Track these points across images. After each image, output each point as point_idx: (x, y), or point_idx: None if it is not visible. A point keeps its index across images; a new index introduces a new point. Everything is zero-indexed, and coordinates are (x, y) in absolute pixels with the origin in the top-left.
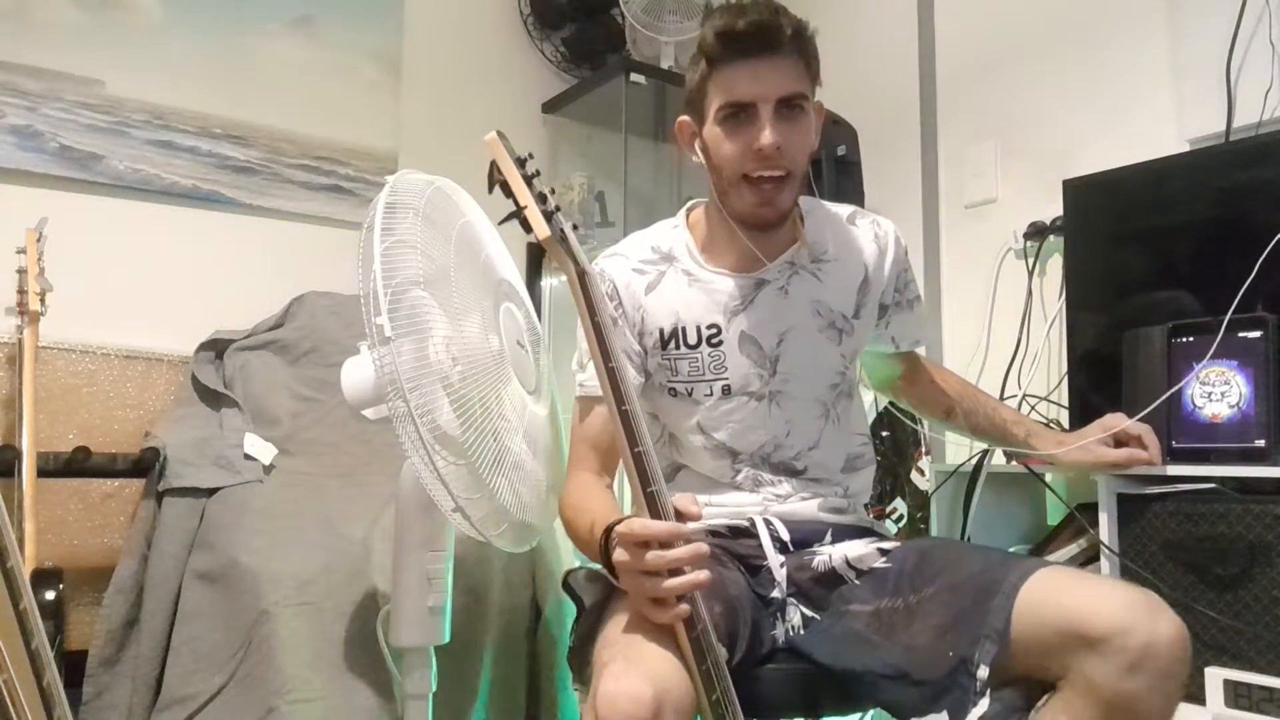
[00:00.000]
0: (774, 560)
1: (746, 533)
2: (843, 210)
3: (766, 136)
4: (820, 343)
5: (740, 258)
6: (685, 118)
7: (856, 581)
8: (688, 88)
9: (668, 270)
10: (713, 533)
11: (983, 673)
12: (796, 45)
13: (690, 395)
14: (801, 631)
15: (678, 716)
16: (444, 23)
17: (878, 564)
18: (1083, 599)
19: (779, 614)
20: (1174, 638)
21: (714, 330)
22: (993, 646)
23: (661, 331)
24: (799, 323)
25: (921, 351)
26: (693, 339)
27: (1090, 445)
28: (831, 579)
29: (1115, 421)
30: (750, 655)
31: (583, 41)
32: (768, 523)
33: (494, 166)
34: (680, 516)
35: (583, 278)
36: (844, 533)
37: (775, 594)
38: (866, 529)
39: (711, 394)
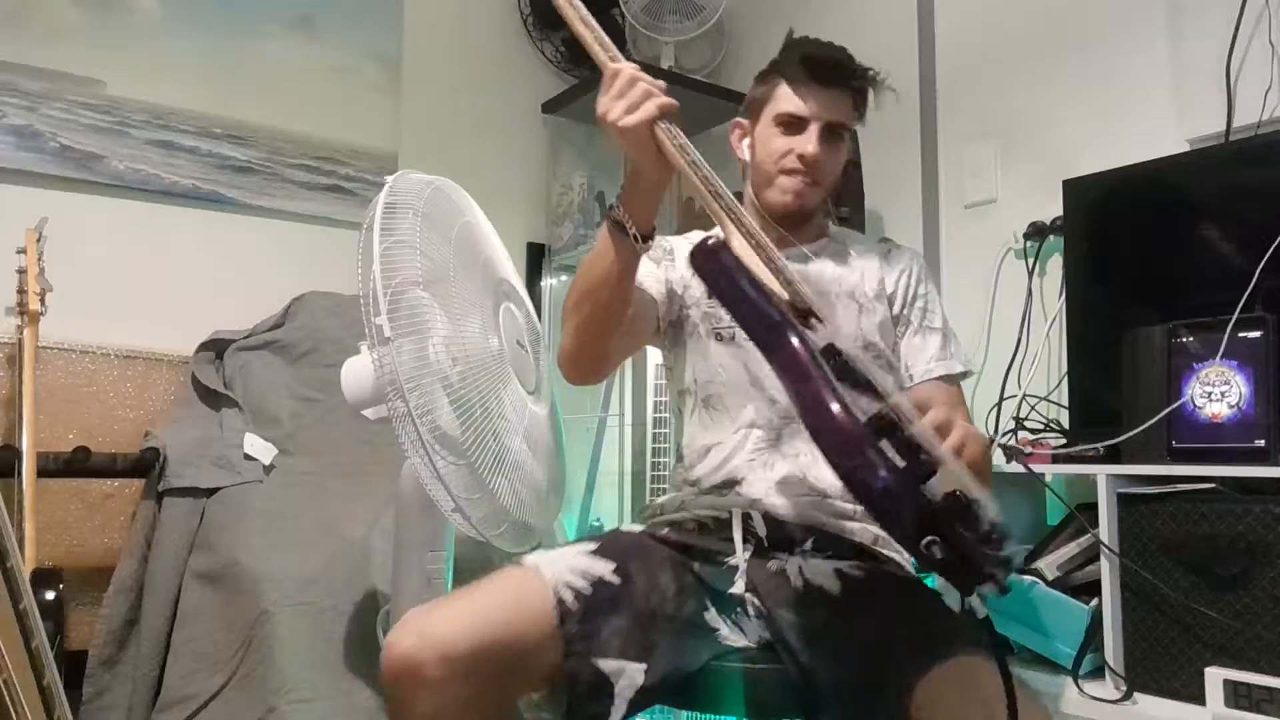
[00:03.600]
0: (740, 557)
1: (724, 525)
2: (868, 238)
3: (812, 147)
4: (844, 304)
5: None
6: (742, 119)
7: (799, 587)
8: (751, 95)
9: None
10: (679, 526)
11: None
12: (856, 86)
13: (734, 340)
14: (757, 629)
15: (440, 664)
16: (444, 23)
17: (826, 584)
18: (957, 713)
19: (740, 608)
20: None
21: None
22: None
23: None
24: (825, 286)
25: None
26: None
27: None
28: (780, 579)
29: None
30: (683, 661)
31: None
32: (747, 518)
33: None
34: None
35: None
36: (830, 543)
37: (734, 590)
38: (861, 548)
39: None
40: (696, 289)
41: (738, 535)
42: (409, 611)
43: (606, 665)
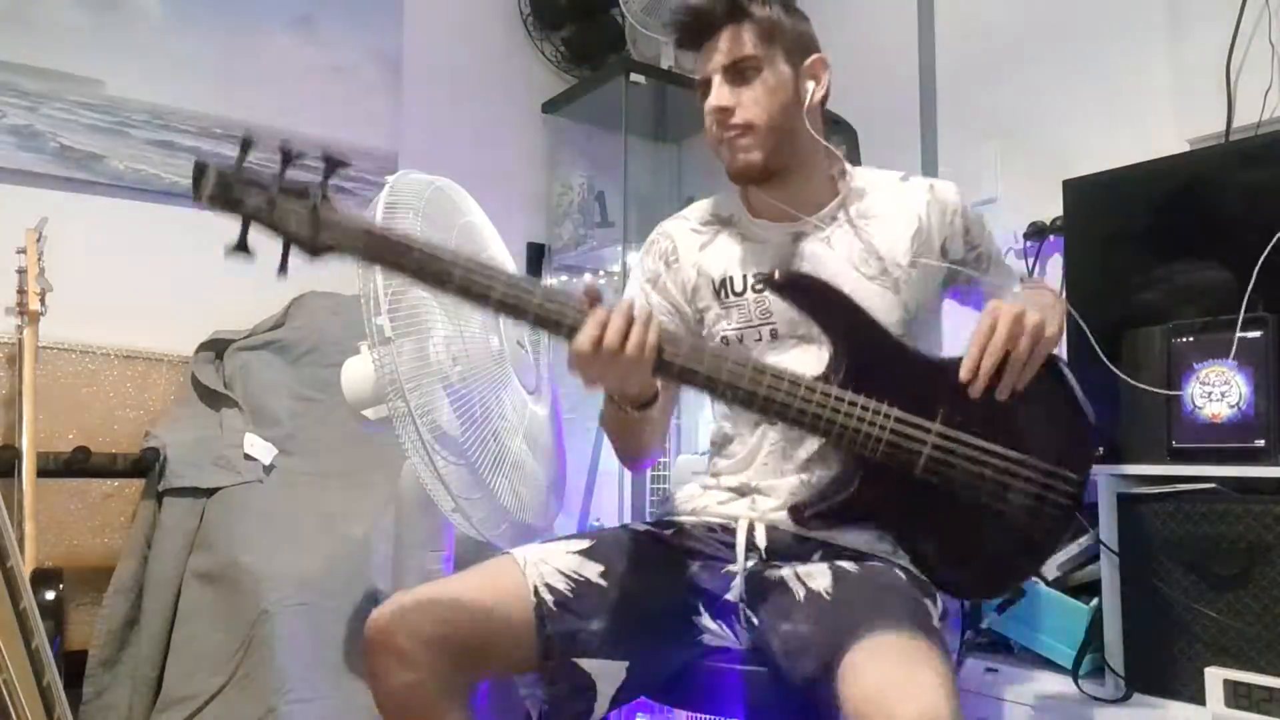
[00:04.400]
0: (740, 568)
1: (724, 529)
2: (895, 173)
3: (710, 100)
4: (870, 292)
5: (778, 212)
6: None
7: (800, 598)
8: None
9: (723, 231)
10: (684, 530)
11: None
12: (732, 19)
13: (741, 342)
14: (746, 635)
15: (411, 638)
16: (444, 23)
17: (822, 586)
18: (852, 682)
19: (734, 614)
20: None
21: (760, 277)
22: (836, 703)
23: (713, 282)
24: (842, 272)
25: None
26: (739, 287)
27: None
28: (780, 588)
29: None
30: (668, 659)
31: (583, 41)
32: (750, 528)
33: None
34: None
35: None
36: (833, 553)
37: (729, 597)
38: (860, 552)
39: (760, 339)
40: (706, 289)
41: (740, 545)
42: (395, 592)
43: (588, 665)
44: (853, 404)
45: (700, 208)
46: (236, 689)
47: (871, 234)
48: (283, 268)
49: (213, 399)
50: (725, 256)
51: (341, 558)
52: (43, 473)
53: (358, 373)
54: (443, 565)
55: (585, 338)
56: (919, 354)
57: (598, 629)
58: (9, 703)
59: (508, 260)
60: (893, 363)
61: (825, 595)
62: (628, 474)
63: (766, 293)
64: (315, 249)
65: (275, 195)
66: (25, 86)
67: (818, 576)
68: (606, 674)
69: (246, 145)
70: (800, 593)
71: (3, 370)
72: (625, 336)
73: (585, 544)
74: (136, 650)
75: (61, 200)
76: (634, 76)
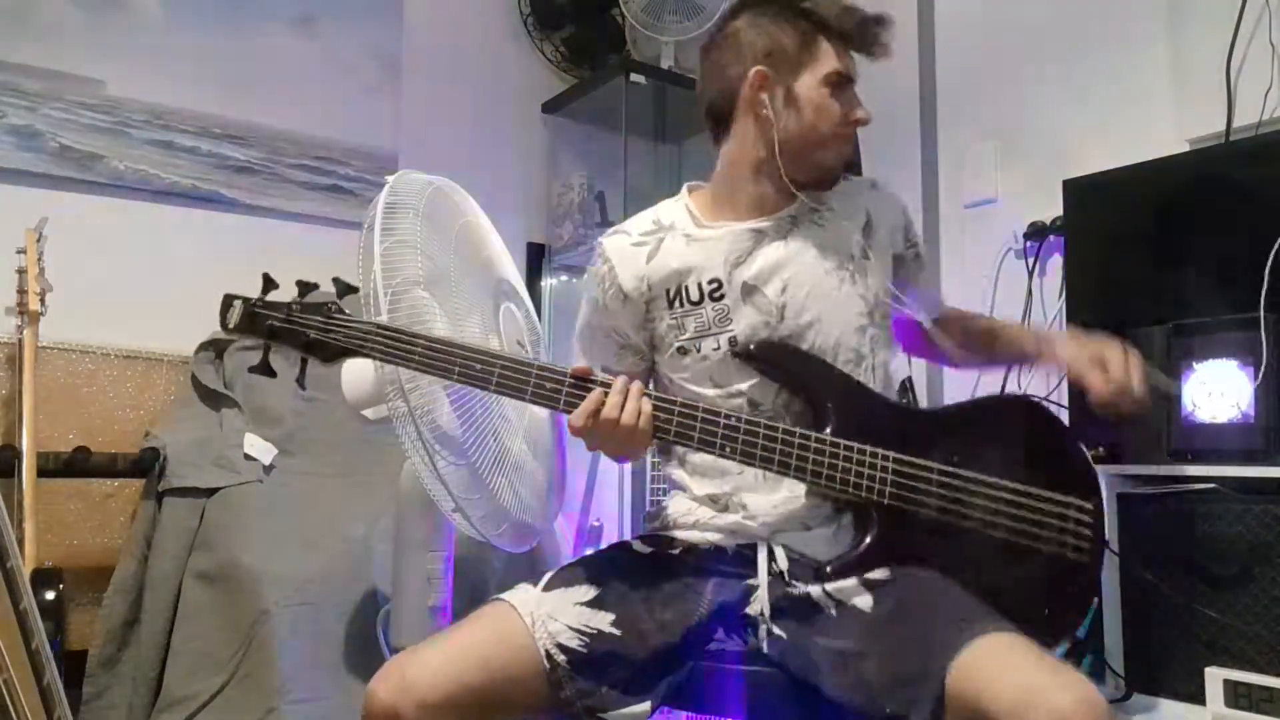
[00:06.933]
0: (764, 582)
1: (739, 551)
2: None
3: (863, 111)
4: (831, 283)
5: (745, 212)
6: (765, 69)
7: (833, 614)
8: (774, 44)
9: (666, 237)
10: (692, 549)
11: None
12: (880, 49)
13: (699, 351)
14: (766, 647)
15: (419, 709)
16: (444, 23)
17: (858, 601)
18: (991, 679)
19: (749, 626)
20: (1073, 711)
21: (715, 284)
22: (927, 710)
23: (666, 292)
24: (802, 267)
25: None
26: (695, 296)
27: (1082, 361)
28: (808, 606)
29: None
30: (684, 679)
31: (583, 41)
32: (769, 549)
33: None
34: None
35: None
36: (850, 568)
37: (749, 610)
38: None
39: (719, 348)
40: (658, 302)
41: (762, 564)
42: (391, 658)
43: (612, 716)
44: (849, 449)
45: (640, 219)
46: (236, 689)
47: (825, 227)
48: (300, 380)
49: (213, 399)
50: (674, 264)
51: (341, 558)
52: (43, 473)
53: (358, 373)
54: (442, 565)
55: (581, 412)
56: (899, 404)
57: (618, 678)
58: (9, 703)
59: (508, 259)
60: (876, 414)
61: (867, 611)
62: (628, 474)
63: (725, 299)
64: (329, 352)
65: (293, 313)
66: (25, 86)
67: (850, 593)
68: (631, 714)
69: (269, 282)
70: (833, 609)
71: (3, 370)
72: (621, 409)
73: (592, 592)
74: (136, 650)
75: (61, 200)
76: (634, 76)
